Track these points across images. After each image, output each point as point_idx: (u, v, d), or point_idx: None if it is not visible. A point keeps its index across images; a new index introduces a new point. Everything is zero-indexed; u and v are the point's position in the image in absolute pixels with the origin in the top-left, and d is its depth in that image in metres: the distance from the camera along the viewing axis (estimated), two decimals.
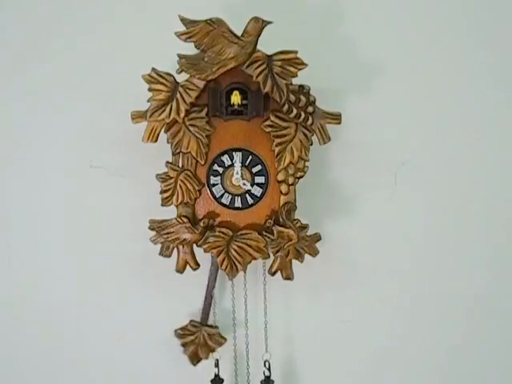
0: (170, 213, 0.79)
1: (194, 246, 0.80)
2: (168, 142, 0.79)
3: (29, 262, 0.89)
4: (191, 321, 0.88)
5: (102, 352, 0.91)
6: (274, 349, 0.90)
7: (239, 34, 0.75)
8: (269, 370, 0.88)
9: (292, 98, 0.77)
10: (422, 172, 0.91)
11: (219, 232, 0.79)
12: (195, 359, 0.88)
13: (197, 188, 0.80)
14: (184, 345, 0.88)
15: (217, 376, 0.88)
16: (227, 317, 0.89)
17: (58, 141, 0.88)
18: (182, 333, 0.88)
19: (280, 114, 0.79)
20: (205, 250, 0.79)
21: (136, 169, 0.87)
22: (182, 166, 0.79)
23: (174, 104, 0.76)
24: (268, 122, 0.79)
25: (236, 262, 0.80)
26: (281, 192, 0.81)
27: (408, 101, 0.91)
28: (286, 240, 0.79)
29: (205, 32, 0.75)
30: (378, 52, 0.90)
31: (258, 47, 0.76)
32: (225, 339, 0.88)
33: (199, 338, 0.87)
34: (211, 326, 0.88)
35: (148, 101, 0.76)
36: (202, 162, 0.79)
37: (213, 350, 0.88)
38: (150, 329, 0.91)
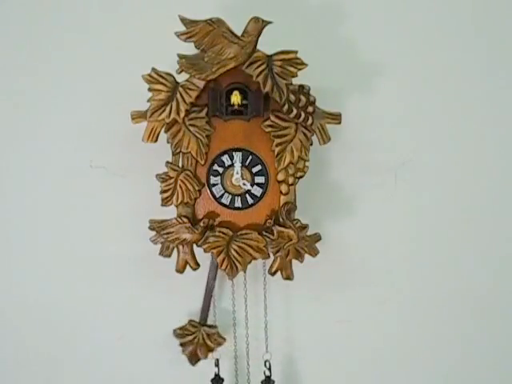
0: (170, 213, 0.79)
1: (194, 245, 0.80)
2: (168, 142, 0.79)
3: (28, 261, 0.89)
4: (190, 321, 0.88)
5: (102, 352, 0.91)
6: (274, 349, 0.90)
7: (239, 34, 0.75)
8: (269, 369, 0.88)
9: (292, 97, 0.77)
10: (422, 172, 0.91)
11: (219, 232, 0.79)
12: (194, 359, 0.88)
13: (197, 188, 0.80)
14: (183, 345, 0.88)
15: (217, 376, 0.88)
16: (227, 317, 0.89)
17: (58, 141, 0.88)
18: (180, 332, 0.88)
19: (280, 114, 0.79)
20: (205, 250, 0.79)
21: (136, 169, 0.87)
22: (182, 166, 0.79)
23: (174, 104, 0.76)
24: (268, 122, 0.79)
25: (236, 262, 0.80)
26: (281, 192, 0.81)
27: (408, 101, 0.91)
28: (286, 240, 0.79)
29: (205, 32, 0.75)
30: (377, 52, 0.89)
31: (258, 47, 0.76)
32: (224, 339, 0.88)
33: (198, 338, 0.87)
34: (210, 326, 0.88)
35: (148, 101, 0.76)
36: (202, 162, 0.79)
37: (212, 350, 0.88)
38: (150, 329, 0.91)
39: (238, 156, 0.80)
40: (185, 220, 0.79)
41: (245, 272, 0.81)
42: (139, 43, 0.86)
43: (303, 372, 0.93)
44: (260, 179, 0.81)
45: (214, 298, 0.87)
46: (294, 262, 0.82)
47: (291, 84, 0.77)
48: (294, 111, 0.77)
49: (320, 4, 0.89)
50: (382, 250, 0.92)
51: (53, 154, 0.88)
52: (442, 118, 0.91)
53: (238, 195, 0.81)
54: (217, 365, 0.87)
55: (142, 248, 0.83)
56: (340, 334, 0.93)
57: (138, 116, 0.78)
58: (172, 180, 0.79)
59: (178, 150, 0.79)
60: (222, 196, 0.81)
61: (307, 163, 0.81)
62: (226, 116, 0.79)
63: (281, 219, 0.80)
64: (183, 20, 0.75)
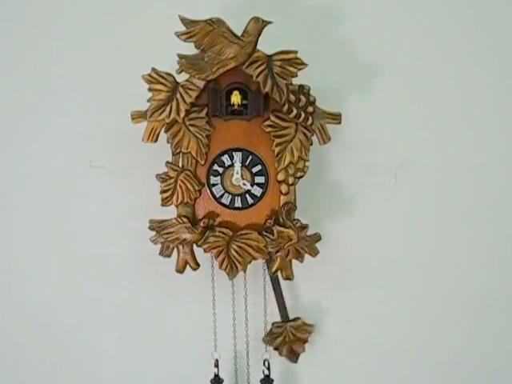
0: (170, 213, 0.79)
1: (194, 245, 0.80)
2: (168, 142, 0.79)
3: (28, 262, 0.89)
4: (274, 323, 0.88)
5: (101, 352, 0.91)
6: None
7: (239, 34, 0.75)
8: (268, 369, 0.88)
9: (292, 97, 0.77)
10: (422, 172, 0.91)
11: (219, 232, 0.79)
12: (294, 356, 0.89)
13: (197, 188, 0.80)
14: (277, 348, 0.88)
15: (217, 376, 0.88)
16: (227, 316, 0.89)
17: (57, 141, 0.88)
18: (270, 338, 0.88)
19: (280, 114, 0.79)
20: (205, 250, 0.79)
21: (136, 169, 0.87)
22: (182, 166, 0.79)
23: (174, 104, 0.76)
24: (268, 122, 0.79)
25: (236, 262, 0.80)
26: (281, 192, 0.81)
27: (408, 101, 0.91)
28: (286, 240, 0.79)
29: (205, 32, 0.75)
30: (377, 52, 0.89)
31: (258, 47, 0.76)
32: (311, 326, 0.89)
33: (288, 336, 0.87)
34: (294, 320, 0.88)
35: (148, 101, 0.76)
36: (202, 162, 0.79)
37: (305, 341, 0.88)
38: (150, 329, 0.91)
39: (238, 156, 0.80)
40: (185, 220, 0.79)
41: (245, 272, 0.81)
42: (139, 43, 0.86)
43: (303, 372, 0.93)
44: (260, 179, 0.81)
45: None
46: (294, 261, 0.82)
47: (291, 84, 0.77)
48: (294, 111, 0.77)
49: (320, 4, 0.89)
50: (382, 249, 0.92)
51: (53, 154, 0.88)
52: (442, 117, 0.91)
53: (238, 195, 0.81)
54: (216, 365, 0.87)
55: (142, 248, 0.83)
56: (340, 334, 0.93)
57: (138, 116, 0.78)
58: (172, 180, 0.79)
59: (178, 150, 0.79)
60: (222, 196, 0.81)
61: (307, 163, 0.81)
62: (226, 116, 0.79)
63: (281, 219, 0.80)
64: (183, 20, 0.75)
